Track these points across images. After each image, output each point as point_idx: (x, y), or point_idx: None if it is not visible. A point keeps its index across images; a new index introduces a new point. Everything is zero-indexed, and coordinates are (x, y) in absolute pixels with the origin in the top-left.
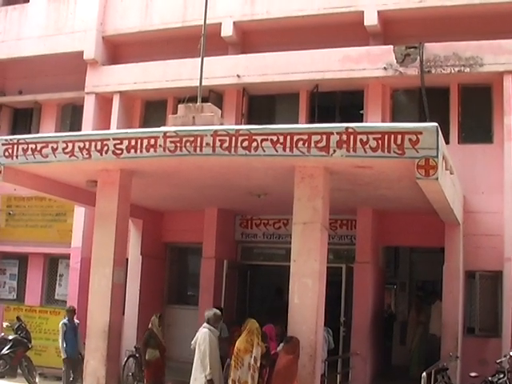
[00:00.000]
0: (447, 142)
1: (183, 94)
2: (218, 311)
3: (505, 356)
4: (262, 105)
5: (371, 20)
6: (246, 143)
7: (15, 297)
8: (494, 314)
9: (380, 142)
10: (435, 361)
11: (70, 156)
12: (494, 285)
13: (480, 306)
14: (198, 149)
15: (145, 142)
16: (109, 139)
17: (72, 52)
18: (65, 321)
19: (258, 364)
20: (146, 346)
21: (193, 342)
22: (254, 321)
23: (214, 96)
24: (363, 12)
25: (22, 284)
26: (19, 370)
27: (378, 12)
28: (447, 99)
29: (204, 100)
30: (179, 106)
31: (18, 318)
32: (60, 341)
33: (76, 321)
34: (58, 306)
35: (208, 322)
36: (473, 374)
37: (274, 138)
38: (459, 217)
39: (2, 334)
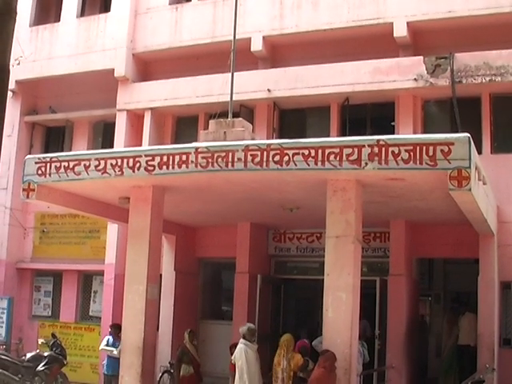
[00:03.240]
0: (479, 152)
1: (214, 110)
2: (251, 325)
3: None
4: (293, 119)
5: (401, 31)
6: (277, 158)
7: (50, 313)
8: None
9: (412, 153)
10: (467, 371)
11: (102, 173)
12: None
13: None
14: (230, 164)
15: (177, 158)
16: (141, 156)
17: (103, 70)
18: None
19: (285, 375)
20: (179, 362)
21: (232, 358)
22: (286, 334)
23: (245, 111)
24: (392, 23)
25: (56, 301)
26: None
27: (408, 23)
28: (479, 109)
29: (235, 115)
30: (210, 121)
31: (53, 335)
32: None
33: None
34: (93, 323)
35: (244, 338)
36: None
37: (306, 152)
38: (493, 227)
39: (38, 350)
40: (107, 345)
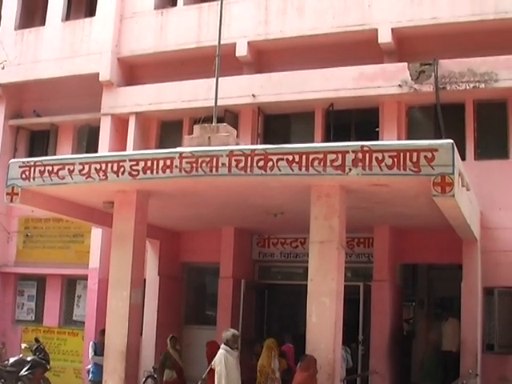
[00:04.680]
0: (463, 159)
1: (199, 115)
2: (236, 332)
3: None
4: (278, 124)
5: (385, 37)
6: (261, 163)
7: (33, 318)
8: None
9: (395, 159)
10: (451, 377)
11: (86, 178)
12: None
13: (499, 322)
14: (214, 169)
15: (161, 162)
16: (125, 160)
17: (88, 74)
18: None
19: (277, 375)
20: (162, 367)
21: (212, 363)
22: (271, 339)
23: (230, 116)
24: (377, 30)
25: (40, 305)
26: None
27: (392, 29)
28: (462, 115)
29: (219, 120)
30: (195, 126)
31: (37, 340)
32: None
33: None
34: (76, 327)
35: (226, 344)
36: None
37: (290, 158)
38: (476, 233)
39: (21, 355)
40: (96, 354)
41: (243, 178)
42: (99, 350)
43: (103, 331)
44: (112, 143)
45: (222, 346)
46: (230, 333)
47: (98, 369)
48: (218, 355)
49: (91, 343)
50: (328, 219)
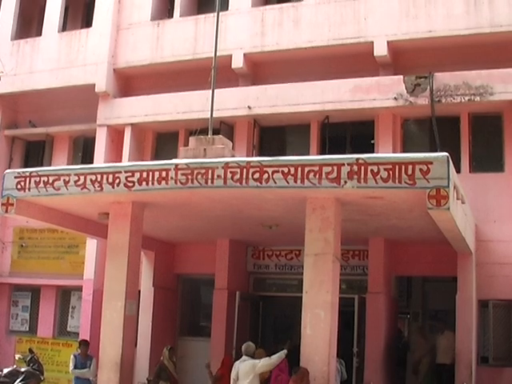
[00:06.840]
0: (458, 171)
1: (194, 126)
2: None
3: None
4: (273, 136)
5: (381, 50)
6: (257, 175)
7: (27, 329)
8: (508, 342)
9: (391, 172)
10: None
11: (81, 189)
12: (507, 314)
13: (494, 335)
14: (210, 181)
15: (156, 174)
16: (120, 172)
17: (84, 85)
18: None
19: None
20: (157, 379)
21: (234, 376)
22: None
23: (225, 128)
24: (373, 43)
25: (34, 316)
26: None
27: (388, 42)
28: (458, 128)
29: (215, 131)
30: (190, 138)
31: (31, 350)
32: None
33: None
34: (71, 338)
35: (252, 356)
36: None
37: (285, 170)
38: (471, 246)
39: (15, 365)
40: (76, 367)
41: (238, 190)
42: (79, 362)
43: (84, 342)
44: (107, 154)
45: (245, 357)
46: (253, 345)
47: (79, 382)
48: (242, 365)
49: (71, 356)
50: (323, 232)
